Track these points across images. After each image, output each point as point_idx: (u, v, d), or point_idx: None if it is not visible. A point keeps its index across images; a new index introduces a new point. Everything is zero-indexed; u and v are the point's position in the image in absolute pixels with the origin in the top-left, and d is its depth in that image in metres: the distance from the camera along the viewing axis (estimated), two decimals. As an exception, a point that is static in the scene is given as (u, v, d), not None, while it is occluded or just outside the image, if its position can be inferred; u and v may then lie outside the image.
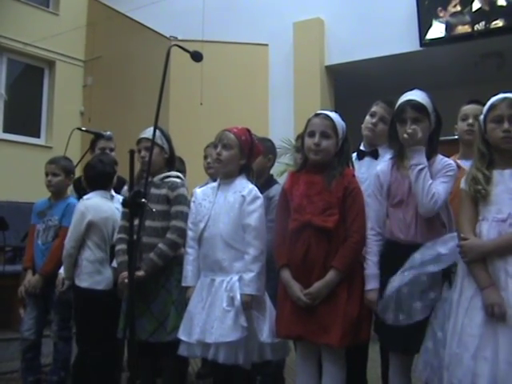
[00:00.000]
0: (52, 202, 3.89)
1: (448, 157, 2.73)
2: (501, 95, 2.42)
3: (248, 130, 3.04)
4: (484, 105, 3.02)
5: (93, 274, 3.43)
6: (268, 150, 3.65)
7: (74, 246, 3.45)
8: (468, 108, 3.18)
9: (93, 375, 3.38)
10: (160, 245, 3.10)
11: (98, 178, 3.57)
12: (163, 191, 3.19)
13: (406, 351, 2.55)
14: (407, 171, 2.61)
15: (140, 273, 3.03)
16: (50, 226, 3.80)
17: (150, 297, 3.10)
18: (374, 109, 3.23)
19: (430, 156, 2.61)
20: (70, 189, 4.15)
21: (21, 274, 4.96)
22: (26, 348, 3.73)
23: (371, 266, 2.64)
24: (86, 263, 3.45)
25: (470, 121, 3.11)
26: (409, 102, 2.63)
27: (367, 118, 3.24)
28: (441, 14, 6.71)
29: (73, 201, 3.88)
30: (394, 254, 2.56)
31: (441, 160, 2.61)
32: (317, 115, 2.83)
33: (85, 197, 3.55)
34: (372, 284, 2.62)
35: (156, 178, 3.22)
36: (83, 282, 3.44)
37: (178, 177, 3.28)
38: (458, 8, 6.63)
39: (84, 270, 3.44)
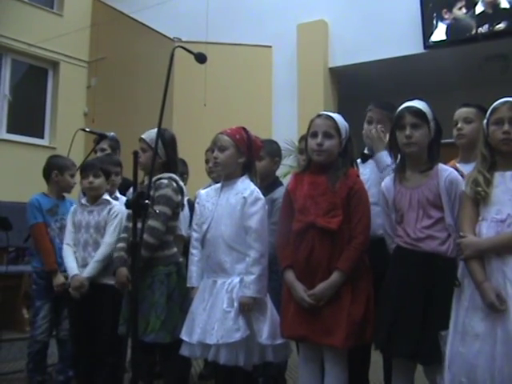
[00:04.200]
0: (55, 200, 3.86)
1: (445, 163, 2.73)
2: (503, 99, 2.47)
3: (243, 128, 3.03)
4: (476, 107, 3.06)
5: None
6: (274, 152, 3.66)
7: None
8: (456, 113, 3.17)
9: (106, 375, 3.41)
10: None
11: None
12: (151, 193, 3.15)
13: (413, 358, 2.52)
14: (408, 183, 2.64)
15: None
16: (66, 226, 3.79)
17: (140, 297, 3.08)
18: (369, 115, 3.20)
19: (430, 165, 2.62)
20: (78, 189, 4.15)
21: (25, 274, 5.00)
22: (36, 350, 3.71)
23: None
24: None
25: (459, 125, 3.11)
26: (408, 108, 2.65)
27: (365, 125, 3.21)
28: (445, 17, 6.71)
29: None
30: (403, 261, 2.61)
31: (447, 175, 2.58)
32: (319, 116, 2.83)
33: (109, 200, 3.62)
34: None
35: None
36: (113, 279, 3.44)
37: (170, 178, 3.21)
38: (462, 11, 6.63)
39: (112, 268, 3.46)
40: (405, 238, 2.61)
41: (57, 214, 3.81)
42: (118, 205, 3.60)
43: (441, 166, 2.64)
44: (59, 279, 3.64)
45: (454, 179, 2.58)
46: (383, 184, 2.77)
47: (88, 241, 3.57)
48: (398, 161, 2.74)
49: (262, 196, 2.93)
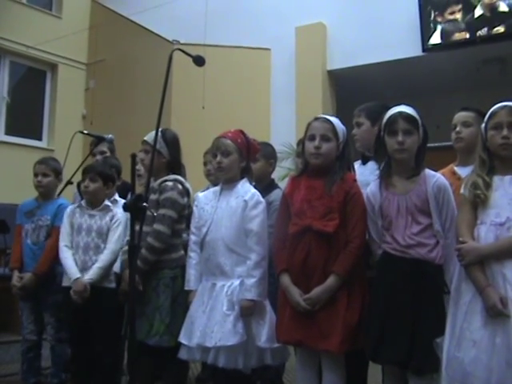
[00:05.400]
0: (40, 201, 3.90)
1: (434, 170, 2.71)
2: (501, 103, 2.45)
3: (241, 132, 3.04)
4: (475, 111, 3.06)
5: (113, 275, 3.54)
6: (269, 154, 3.67)
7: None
8: (455, 117, 3.17)
9: (104, 377, 3.41)
10: (142, 249, 3.07)
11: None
12: (156, 196, 3.15)
13: (404, 365, 2.49)
14: (396, 189, 2.62)
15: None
16: (41, 226, 3.81)
17: (145, 299, 3.09)
18: (353, 121, 3.23)
19: (417, 171, 2.61)
20: (74, 191, 4.16)
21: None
22: (27, 348, 3.75)
23: None
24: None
25: (458, 129, 3.11)
26: (400, 113, 2.62)
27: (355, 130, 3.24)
28: (443, 20, 6.71)
29: (65, 202, 3.92)
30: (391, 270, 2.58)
31: (435, 181, 2.57)
32: (316, 119, 2.83)
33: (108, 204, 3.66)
34: None
35: (155, 184, 3.19)
36: (113, 283, 3.53)
37: (175, 180, 3.20)
38: (461, 14, 6.63)
39: (112, 272, 3.54)
40: (393, 244, 2.59)
41: (34, 216, 3.85)
42: (121, 212, 3.59)
43: (427, 171, 2.63)
44: (13, 280, 3.74)
45: (442, 185, 2.57)
46: (368, 189, 2.74)
47: (89, 244, 3.56)
48: (382, 166, 2.71)
49: (262, 199, 2.93)
